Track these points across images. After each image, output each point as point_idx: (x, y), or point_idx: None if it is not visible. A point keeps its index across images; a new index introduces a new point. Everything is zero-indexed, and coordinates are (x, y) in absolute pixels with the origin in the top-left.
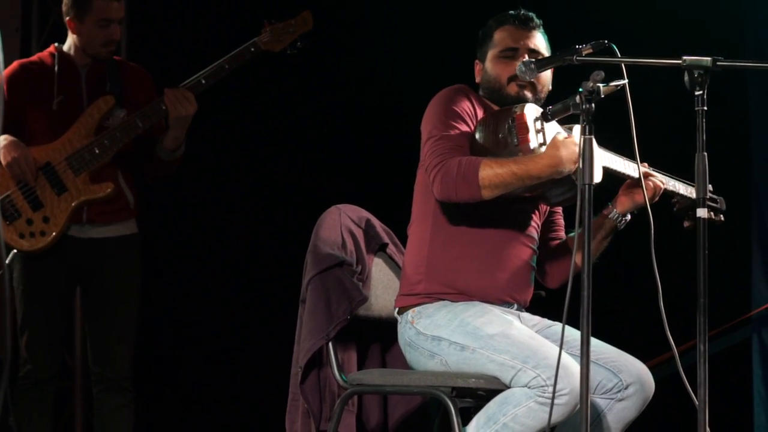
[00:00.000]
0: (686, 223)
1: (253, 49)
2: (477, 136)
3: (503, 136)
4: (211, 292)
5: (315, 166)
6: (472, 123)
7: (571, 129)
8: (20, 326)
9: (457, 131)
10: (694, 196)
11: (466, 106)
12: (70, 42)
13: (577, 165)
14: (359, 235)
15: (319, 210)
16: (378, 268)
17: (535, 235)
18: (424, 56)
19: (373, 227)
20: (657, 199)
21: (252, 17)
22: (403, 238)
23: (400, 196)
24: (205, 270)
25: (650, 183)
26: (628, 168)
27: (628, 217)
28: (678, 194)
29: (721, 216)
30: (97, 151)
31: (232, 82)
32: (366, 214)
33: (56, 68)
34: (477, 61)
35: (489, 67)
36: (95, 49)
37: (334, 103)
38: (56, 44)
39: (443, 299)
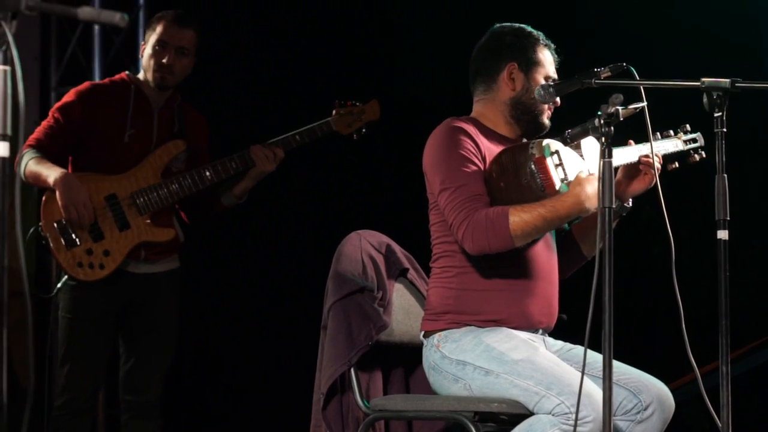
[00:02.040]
0: (670, 166)
1: (325, 128)
2: (497, 180)
3: (526, 181)
4: (232, 318)
5: (335, 192)
6: (479, 159)
7: (579, 146)
8: (62, 355)
9: (469, 177)
10: (679, 147)
11: (469, 146)
12: (142, 74)
13: None
14: (380, 260)
15: (340, 236)
16: (399, 293)
17: (556, 250)
18: (444, 82)
19: (393, 252)
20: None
21: (319, 95)
22: (422, 262)
23: (421, 221)
24: (224, 297)
25: (656, 164)
26: (628, 156)
27: (630, 203)
28: (669, 153)
29: (703, 153)
30: (164, 194)
31: (254, 113)
32: (386, 239)
33: (132, 101)
34: (514, 64)
35: (536, 84)
36: (150, 73)
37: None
38: (128, 72)
39: (470, 324)
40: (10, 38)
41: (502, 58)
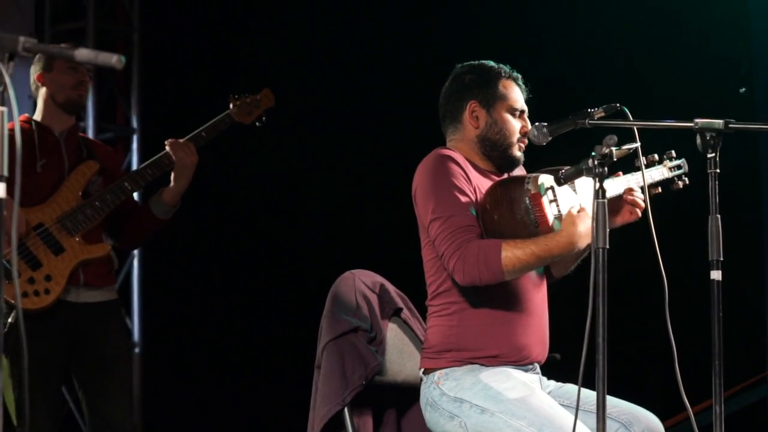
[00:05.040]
0: (653, 191)
1: (227, 120)
2: (491, 212)
3: (521, 216)
4: (225, 359)
5: (329, 232)
6: (469, 188)
7: (573, 184)
8: (18, 393)
9: (460, 207)
10: (665, 175)
11: (459, 174)
12: (40, 108)
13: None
14: (374, 300)
15: (334, 275)
16: (392, 333)
17: (545, 284)
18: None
19: (387, 292)
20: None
21: (216, 90)
22: (416, 302)
23: (415, 261)
24: (219, 337)
25: (637, 200)
26: (615, 188)
27: None
28: (655, 182)
29: (686, 180)
30: (89, 213)
31: (240, 141)
32: (380, 279)
33: (36, 134)
34: (475, 102)
35: (500, 119)
36: (66, 93)
37: (349, 166)
38: (27, 114)
39: (473, 363)
40: (7, 79)
41: (463, 97)
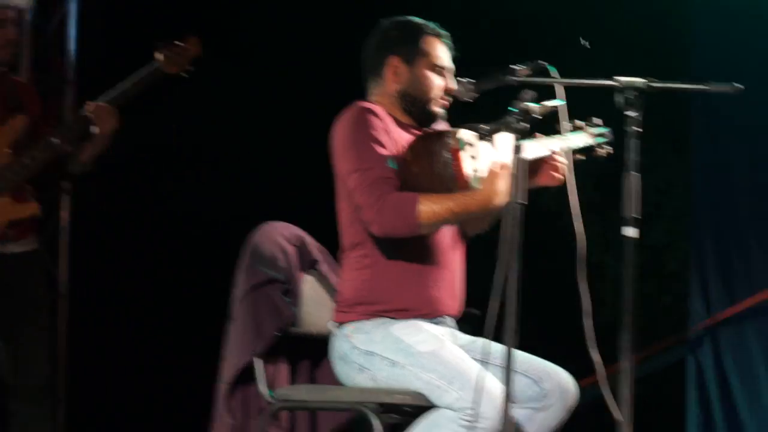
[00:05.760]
0: (575, 156)
1: (157, 73)
2: (410, 165)
3: (438, 170)
4: (140, 308)
5: (249, 184)
6: (388, 141)
7: (494, 141)
8: None
9: (379, 159)
10: (589, 142)
11: (380, 128)
12: None
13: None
14: (292, 252)
15: (253, 227)
16: (309, 285)
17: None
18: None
19: (305, 245)
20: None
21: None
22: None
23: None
24: (133, 286)
25: (559, 165)
26: (537, 151)
27: None
28: (578, 148)
29: (610, 148)
30: (18, 170)
31: (159, 96)
32: (300, 232)
33: None
34: (395, 57)
35: (421, 75)
36: None
37: (268, 119)
38: None
39: (384, 317)
40: None
41: (384, 52)
